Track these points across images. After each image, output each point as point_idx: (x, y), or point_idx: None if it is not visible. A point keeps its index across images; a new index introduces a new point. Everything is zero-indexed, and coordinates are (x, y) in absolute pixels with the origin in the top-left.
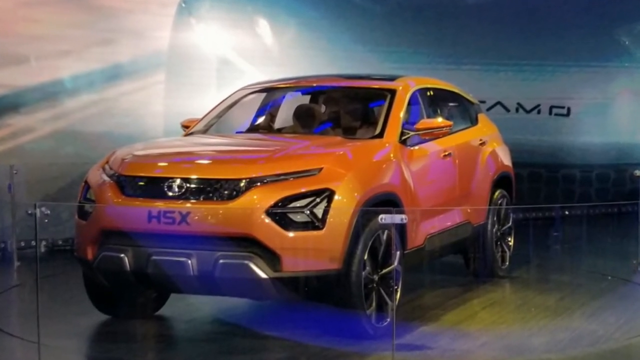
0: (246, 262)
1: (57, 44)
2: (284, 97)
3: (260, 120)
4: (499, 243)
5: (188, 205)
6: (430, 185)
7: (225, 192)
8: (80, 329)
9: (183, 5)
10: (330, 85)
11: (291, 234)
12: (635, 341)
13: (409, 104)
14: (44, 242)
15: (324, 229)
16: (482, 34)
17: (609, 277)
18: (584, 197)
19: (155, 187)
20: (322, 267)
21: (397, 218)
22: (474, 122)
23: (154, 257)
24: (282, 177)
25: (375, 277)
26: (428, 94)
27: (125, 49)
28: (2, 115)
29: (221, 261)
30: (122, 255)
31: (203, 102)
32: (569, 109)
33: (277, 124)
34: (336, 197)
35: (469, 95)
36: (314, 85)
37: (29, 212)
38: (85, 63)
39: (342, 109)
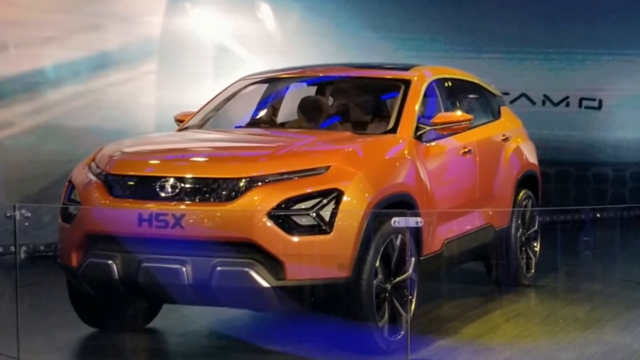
0: (246, 269)
1: (39, 30)
2: (287, 88)
3: (262, 113)
4: (523, 248)
5: (182, 207)
6: (449, 185)
7: (223, 192)
8: (64, 343)
9: None
10: (339, 75)
11: (295, 239)
12: None
13: (425, 96)
14: (24, 248)
15: (332, 233)
16: (505, 19)
17: None
18: (617, 198)
19: (146, 188)
20: (329, 275)
21: (412, 221)
22: (496, 115)
23: (145, 264)
24: (285, 176)
25: (388, 286)
26: (446, 85)
27: (113, 36)
28: None
29: (219, 268)
30: (110, 262)
31: (199, 93)
32: (600, 102)
33: (280, 118)
34: (345, 198)
35: (491, 86)
36: (321, 75)
37: (8, 214)
38: (70, 51)
39: (351, 102)
